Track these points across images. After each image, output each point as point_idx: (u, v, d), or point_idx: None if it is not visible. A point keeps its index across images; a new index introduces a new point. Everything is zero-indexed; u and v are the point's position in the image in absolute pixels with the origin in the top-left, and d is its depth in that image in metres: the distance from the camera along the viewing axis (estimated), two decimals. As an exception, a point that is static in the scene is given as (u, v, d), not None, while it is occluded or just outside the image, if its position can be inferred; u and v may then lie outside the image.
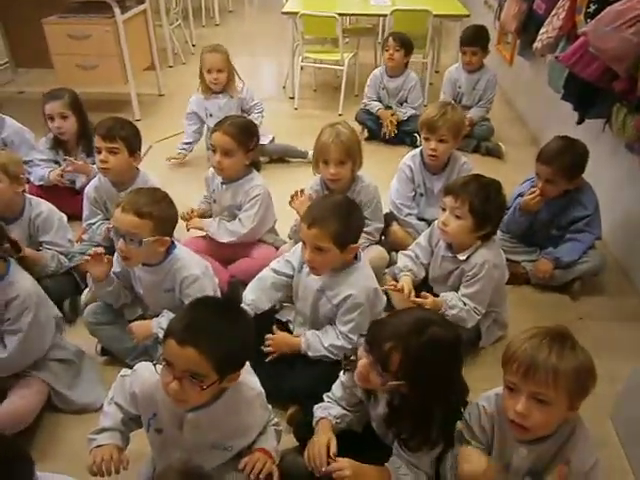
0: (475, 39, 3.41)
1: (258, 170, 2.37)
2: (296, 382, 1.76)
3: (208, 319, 1.24)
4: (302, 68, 4.25)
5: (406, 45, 3.52)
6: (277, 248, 2.39)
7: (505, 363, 1.24)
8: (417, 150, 2.54)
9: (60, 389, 1.82)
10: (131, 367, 1.93)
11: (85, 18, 3.69)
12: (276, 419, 1.52)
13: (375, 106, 3.69)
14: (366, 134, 3.78)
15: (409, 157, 2.53)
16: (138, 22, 4.01)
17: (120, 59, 3.78)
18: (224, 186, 2.32)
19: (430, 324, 1.29)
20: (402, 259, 2.12)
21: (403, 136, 3.62)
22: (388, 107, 3.72)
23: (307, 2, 4.34)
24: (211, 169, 2.39)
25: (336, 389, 1.58)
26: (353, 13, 4.18)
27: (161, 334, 1.81)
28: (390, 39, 3.50)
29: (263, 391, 1.43)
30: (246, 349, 1.30)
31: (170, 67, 5.06)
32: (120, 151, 2.24)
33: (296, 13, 3.91)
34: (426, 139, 2.39)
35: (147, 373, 1.36)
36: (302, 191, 2.31)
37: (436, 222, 2.05)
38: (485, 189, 1.87)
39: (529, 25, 3.31)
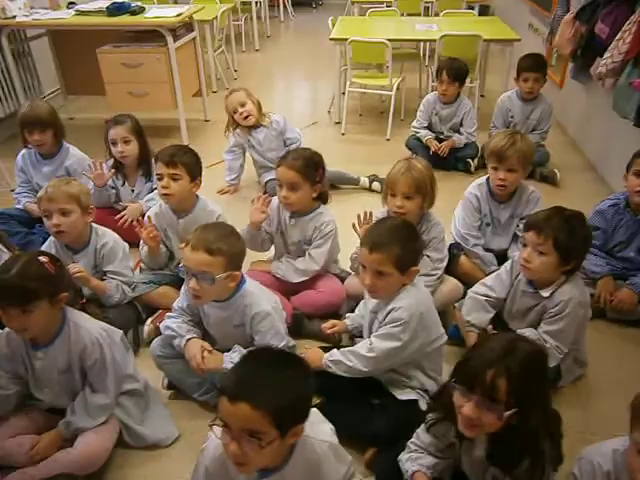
0: (538, 65, 3.33)
1: (325, 202, 2.32)
2: (375, 426, 1.68)
3: (260, 371, 1.16)
4: (348, 93, 4.24)
5: (460, 77, 3.47)
6: (342, 280, 2.34)
7: (634, 418, 1.15)
8: (483, 179, 2.47)
9: (132, 424, 1.78)
10: (198, 402, 1.96)
11: (138, 47, 3.76)
12: (359, 476, 1.43)
13: (424, 135, 3.63)
14: (414, 158, 3.73)
15: (475, 186, 2.46)
16: (188, 49, 4.06)
17: (171, 86, 3.83)
18: (292, 220, 2.28)
19: (516, 341, 1.27)
20: (471, 310, 2.01)
21: (456, 162, 3.55)
22: (439, 133, 3.66)
23: (353, 28, 4.35)
24: (274, 201, 2.35)
25: (423, 435, 1.50)
26: (403, 39, 4.16)
27: (232, 370, 1.78)
28: (444, 74, 3.43)
29: (336, 441, 1.35)
30: (305, 399, 1.20)
31: (214, 92, 5.11)
32: (182, 177, 2.23)
33: (345, 39, 3.91)
34: (494, 168, 2.31)
35: (217, 442, 1.27)
36: (370, 215, 2.24)
37: (515, 256, 1.98)
38: (569, 223, 1.78)
39: (587, 49, 3.24)
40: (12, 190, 3.33)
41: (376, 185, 3.37)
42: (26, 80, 4.22)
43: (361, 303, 2.00)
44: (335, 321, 1.98)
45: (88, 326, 1.70)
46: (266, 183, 3.32)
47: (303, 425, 1.20)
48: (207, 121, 4.54)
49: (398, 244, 1.64)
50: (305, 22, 8.62)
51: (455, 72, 3.43)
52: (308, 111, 4.90)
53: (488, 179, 2.43)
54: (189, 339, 1.82)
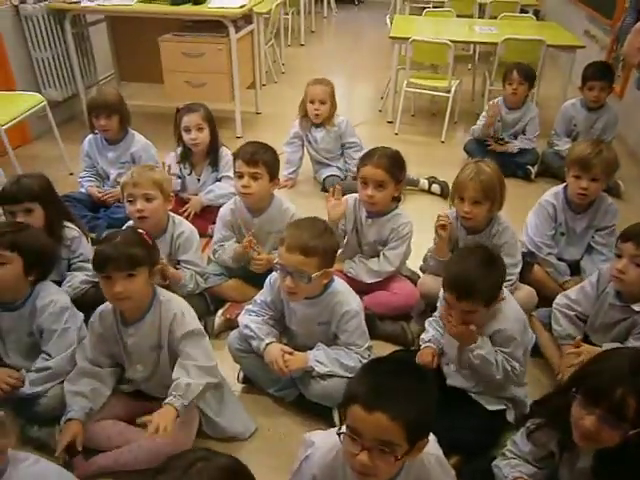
0: (605, 74, 3.27)
1: (399, 201, 2.29)
2: (463, 433, 1.65)
3: (394, 380, 1.13)
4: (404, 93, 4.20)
5: (530, 78, 3.42)
6: (413, 281, 2.31)
7: None
8: (560, 187, 2.42)
9: (211, 415, 1.77)
10: (273, 397, 1.95)
11: (200, 37, 3.75)
12: None
13: (476, 133, 3.59)
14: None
15: (551, 194, 2.41)
16: (246, 41, 4.05)
17: (229, 77, 3.82)
18: (369, 220, 2.26)
19: None
20: (564, 322, 1.99)
21: (516, 168, 3.50)
22: (500, 139, 3.60)
23: (412, 27, 4.30)
24: (350, 200, 2.32)
25: (522, 443, 1.48)
26: (466, 40, 4.11)
27: (317, 367, 1.78)
28: (515, 72, 3.38)
29: (441, 453, 1.32)
30: (433, 410, 1.16)
31: (264, 85, 5.10)
32: (262, 176, 2.21)
33: (406, 38, 3.86)
34: (576, 177, 2.27)
35: (326, 449, 1.27)
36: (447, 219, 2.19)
37: (603, 268, 1.94)
38: None
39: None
40: (71, 174, 3.36)
41: (435, 187, 3.34)
42: (84, 65, 4.25)
43: (435, 322, 1.96)
44: (428, 351, 1.86)
45: (176, 298, 1.76)
46: (324, 179, 3.31)
47: (428, 438, 1.18)
48: (259, 114, 4.53)
49: (488, 279, 1.61)
50: (348, 18, 8.58)
51: (525, 72, 3.39)
52: (355, 109, 4.86)
53: (565, 187, 2.38)
54: (268, 343, 1.81)
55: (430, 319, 1.97)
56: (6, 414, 1.33)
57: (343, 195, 2.30)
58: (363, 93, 5.44)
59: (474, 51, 4.94)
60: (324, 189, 3.34)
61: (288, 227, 1.77)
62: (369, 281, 2.25)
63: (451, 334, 1.70)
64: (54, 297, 1.82)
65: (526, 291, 2.20)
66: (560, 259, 2.40)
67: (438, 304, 1.96)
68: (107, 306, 1.73)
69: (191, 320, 1.73)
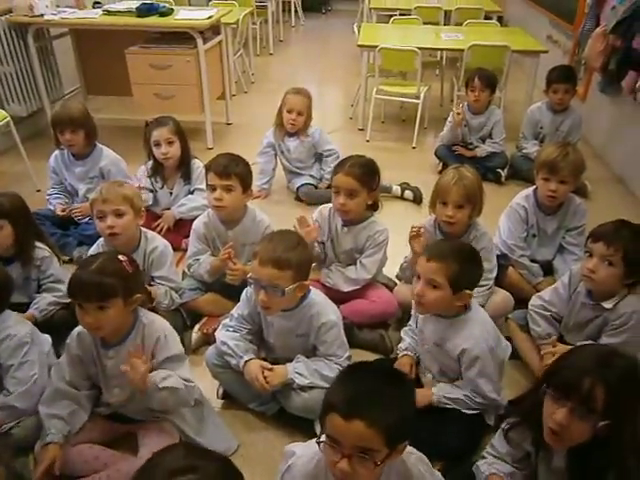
0: (568, 76, 3.35)
1: (376, 209, 2.30)
2: (443, 439, 1.66)
3: (371, 387, 1.13)
4: (374, 100, 4.23)
5: (492, 84, 3.47)
6: (390, 289, 2.32)
7: None
8: (530, 190, 2.46)
9: (191, 434, 1.74)
10: (254, 412, 1.93)
11: (167, 48, 3.72)
12: None
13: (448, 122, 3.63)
14: (440, 168, 3.73)
15: (522, 197, 2.45)
16: (214, 52, 4.03)
17: (198, 88, 3.79)
18: (345, 229, 2.26)
19: (612, 353, 1.27)
20: (542, 323, 2.02)
21: (486, 172, 3.55)
22: (468, 144, 3.66)
23: (379, 35, 4.34)
24: (324, 210, 2.33)
25: (499, 444, 1.50)
26: (432, 47, 4.16)
27: (297, 379, 1.76)
28: (476, 80, 3.43)
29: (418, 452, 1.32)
30: (412, 414, 1.18)
31: (233, 95, 5.07)
32: (235, 188, 2.19)
33: (374, 46, 3.90)
34: (545, 179, 2.31)
35: (306, 459, 1.27)
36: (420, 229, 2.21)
37: (574, 268, 1.97)
38: (638, 235, 1.78)
39: (623, 62, 3.26)
40: (38, 190, 3.28)
41: (408, 194, 3.37)
42: (48, 79, 4.16)
43: (411, 331, 1.98)
44: (406, 360, 1.90)
45: (159, 320, 1.72)
46: (298, 188, 3.31)
47: (407, 442, 1.18)
48: (229, 124, 4.51)
49: (458, 261, 1.65)
50: (315, 27, 8.62)
51: (487, 79, 3.44)
52: (326, 117, 4.86)
53: (535, 190, 2.43)
54: (247, 361, 1.79)
55: (405, 329, 1.99)
56: None
57: (315, 204, 2.31)
58: (334, 100, 5.46)
59: (441, 57, 5.01)
60: (298, 198, 3.34)
61: (261, 241, 1.75)
62: (347, 289, 2.25)
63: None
64: (11, 330, 1.75)
65: (502, 295, 2.22)
66: (533, 260, 2.44)
67: (412, 313, 1.98)
68: None
69: (174, 344, 1.69)
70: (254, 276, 1.69)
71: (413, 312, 1.98)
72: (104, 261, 1.58)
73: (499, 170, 3.57)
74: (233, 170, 2.18)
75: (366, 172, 2.17)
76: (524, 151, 3.57)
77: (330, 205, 2.31)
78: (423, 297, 1.68)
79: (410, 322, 2.01)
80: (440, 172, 3.68)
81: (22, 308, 2.07)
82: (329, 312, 1.79)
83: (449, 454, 1.67)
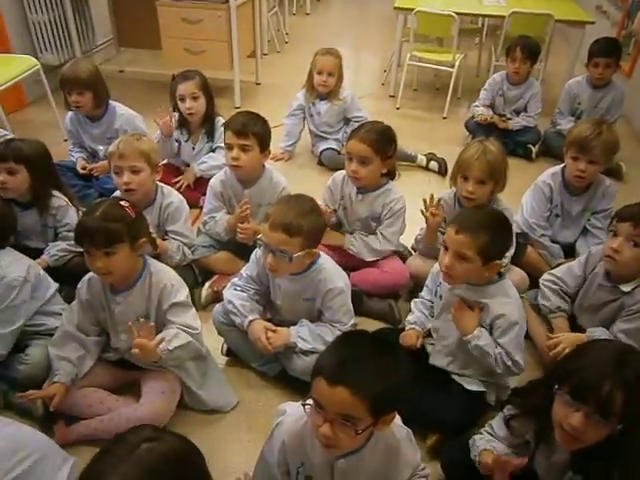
0: (611, 50, 3.17)
1: (393, 178, 2.25)
2: (442, 412, 1.65)
3: (360, 355, 1.12)
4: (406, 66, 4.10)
5: (534, 55, 3.32)
6: (404, 258, 2.29)
7: None
8: (558, 168, 2.37)
9: (193, 387, 1.78)
10: (256, 371, 1.95)
11: (199, 2, 3.66)
12: (426, 469, 1.39)
13: (480, 112, 3.50)
14: (469, 140, 3.61)
15: (548, 175, 2.36)
16: (247, 9, 3.95)
17: (228, 45, 3.74)
18: (360, 196, 2.22)
19: (628, 352, 1.21)
20: (552, 296, 1.98)
21: (515, 147, 3.43)
22: (501, 115, 3.53)
23: (417, -2, 4.17)
24: (338, 176, 2.29)
25: (498, 427, 1.47)
26: (470, 13, 3.98)
27: (299, 343, 1.77)
28: (518, 50, 3.28)
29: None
30: (401, 386, 1.15)
31: (265, 55, 5.00)
32: (252, 148, 2.17)
33: (411, 9, 3.76)
34: (574, 158, 2.22)
35: (295, 417, 1.28)
36: (438, 200, 2.15)
37: (593, 249, 1.91)
38: None
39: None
40: (65, 140, 3.32)
41: (433, 164, 3.29)
42: (81, 29, 4.17)
43: (422, 304, 1.93)
44: (413, 333, 1.84)
45: (167, 270, 1.75)
46: (321, 153, 3.27)
47: (395, 414, 1.18)
48: (258, 84, 4.45)
49: (488, 232, 1.58)
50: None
51: (530, 50, 3.28)
52: (358, 82, 4.76)
53: (564, 168, 2.33)
54: (251, 320, 1.81)
55: (417, 300, 1.95)
56: None
57: (336, 169, 2.27)
58: (367, 65, 5.32)
59: (482, 25, 4.81)
60: (320, 162, 3.30)
61: (275, 203, 1.74)
62: (369, 259, 2.22)
63: (454, 316, 1.68)
64: (3, 271, 1.76)
65: (518, 274, 2.16)
66: (554, 241, 2.37)
67: (427, 283, 1.94)
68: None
69: (180, 291, 1.72)
70: (264, 239, 1.69)
71: (429, 282, 1.93)
72: (107, 207, 1.61)
73: (530, 146, 3.44)
74: (251, 129, 2.16)
75: (381, 139, 2.12)
76: (558, 127, 3.42)
77: (343, 172, 2.28)
78: (452, 269, 1.63)
79: (423, 294, 1.96)
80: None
81: (38, 254, 2.12)
82: (337, 279, 1.78)
83: (446, 428, 1.66)
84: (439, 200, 2.14)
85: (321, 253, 1.81)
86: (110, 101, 2.82)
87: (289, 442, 1.29)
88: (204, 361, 1.86)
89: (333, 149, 3.23)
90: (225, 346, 2.00)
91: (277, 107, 3.55)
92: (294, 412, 1.30)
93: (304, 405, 1.14)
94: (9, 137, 2.55)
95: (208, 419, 1.82)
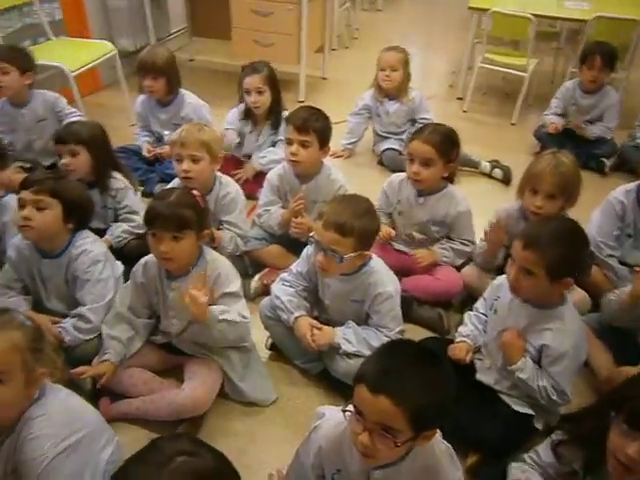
0: None
1: (452, 182, 2.18)
2: (486, 431, 1.59)
3: (406, 366, 1.08)
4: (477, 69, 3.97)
5: (612, 63, 3.13)
6: (457, 269, 2.22)
7: None
8: (633, 185, 2.21)
9: (234, 378, 1.79)
10: (299, 368, 1.94)
11: (271, -5, 3.67)
12: None
13: (550, 120, 3.34)
14: (538, 149, 3.47)
15: (622, 191, 2.21)
16: (319, 3, 3.94)
17: (297, 39, 3.75)
18: (420, 199, 2.16)
19: None
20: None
21: (587, 159, 3.25)
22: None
23: (495, -2, 4.03)
24: (396, 178, 2.25)
25: (544, 453, 1.40)
26: (549, 15, 3.79)
27: (344, 345, 1.75)
28: (598, 58, 3.09)
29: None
30: (446, 403, 1.11)
31: (333, 50, 4.98)
32: (311, 144, 2.16)
33: (486, 10, 3.63)
34: (654, 175, 2.07)
35: (334, 422, 1.26)
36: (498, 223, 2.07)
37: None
38: None
39: None
40: (132, 125, 3.42)
41: (497, 172, 3.17)
42: (157, 17, 4.28)
43: (476, 317, 1.85)
44: (463, 346, 1.77)
45: (222, 259, 1.77)
46: (382, 152, 3.21)
47: (436, 430, 1.13)
48: (324, 79, 4.44)
49: (559, 247, 1.49)
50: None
51: (610, 57, 3.10)
52: (424, 82, 4.65)
53: (639, 185, 2.18)
54: (297, 317, 1.80)
55: (470, 313, 1.88)
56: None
57: (396, 170, 2.22)
58: (436, 65, 5.19)
59: (561, 28, 4.58)
60: (381, 162, 3.25)
61: (330, 202, 1.71)
62: (459, 263, 2.20)
63: (503, 343, 1.63)
64: (88, 247, 1.84)
65: (579, 294, 2.04)
66: (622, 263, 2.22)
67: (484, 296, 1.87)
68: (152, 257, 1.75)
69: (233, 281, 1.74)
70: (316, 237, 1.67)
71: (486, 294, 1.85)
72: (181, 194, 1.66)
73: (603, 159, 3.25)
74: (312, 125, 2.14)
75: (445, 141, 2.06)
76: (638, 141, 3.22)
77: (402, 175, 2.23)
78: (517, 283, 1.57)
79: (477, 306, 1.88)
80: (537, 155, 3.43)
81: (100, 234, 2.18)
82: (387, 283, 1.74)
83: (488, 448, 1.60)
84: (498, 222, 2.05)
85: (373, 255, 1.77)
86: (180, 89, 2.89)
87: (326, 447, 1.27)
88: (247, 353, 1.87)
89: (395, 149, 3.17)
90: (269, 340, 2.00)
91: (341, 103, 3.52)
92: (333, 416, 1.28)
93: (344, 411, 1.12)
94: (75, 119, 2.66)
95: (246, 411, 1.83)
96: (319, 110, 2.22)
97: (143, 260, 1.79)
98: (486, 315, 1.82)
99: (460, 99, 4.13)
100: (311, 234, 1.72)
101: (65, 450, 1.19)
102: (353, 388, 1.75)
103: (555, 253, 1.48)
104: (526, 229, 1.62)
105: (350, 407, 1.11)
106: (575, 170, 1.99)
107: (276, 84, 2.74)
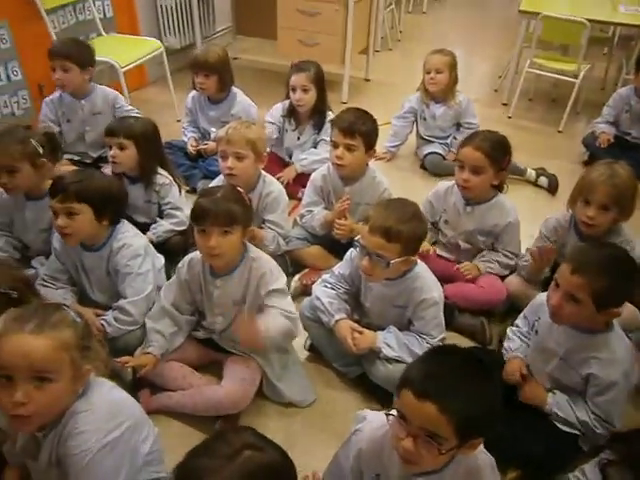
0: None
1: (501, 191, 2.13)
2: (529, 447, 1.54)
3: (453, 372, 1.07)
4: (525, 73, 3.88)
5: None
6: (501, 278, 2.17)
7: None
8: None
9: (272, 379, 1.79)
10: (336, 371, 1.93)
11: (318, -5, 3.67)
12: None
13: (600, 128, 3.23)
14: (586, 158, 3.37)
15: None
16: (364, 4, 3.92)
17: (342, 39, 3.73)
18: (468, 208, 2.12)
19: None
20: None
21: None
22: (625, 134, 3.24)
23: (544, 1, 3.93)
24: (442, 187, 2.22)
25: (591, 473, 1.38)
26: (604, 20, 3.68)
27: (384, 350, 1.73)
28: None
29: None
30: (494, 412, 1.08)
31: (377, 51, 4.94)
32: (357, 148, 2.14)
33: (537, 14, 3.54)
34: None
35: (375, 426, 1.24)
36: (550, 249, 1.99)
37: None
38: None
39: None
40: (178, 120, 3.47)
41: (543, 180, 3.09)
42: (203, 15, 4.33)
43: (520, 333, 1.80)
44: (517, 364, 1.70)
45: (266, 256, 1.78)
46: (425, 156, 3.17)
47: (482, 439, 1.11)
48: (367, 80, 4.41)
49: (608, 277, 1.43)
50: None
51: None
52: (468, 86, 4.54)
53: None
54: (338, 320, 1.78)
55: (514, 329, 1.82)
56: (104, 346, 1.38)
57: (439, 175, 2.19)
58: (481, 70, 5.11)
59: (613, 33, 4.44)
60: (423, 166, 3.21)
61: (376, 206, 1.69)
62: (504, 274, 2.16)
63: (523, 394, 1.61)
64: (128, 240, 1.86)
65: (628, 310, 1.96)
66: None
67: (525, 314, 1.81)
68: (197, 254, 1.77)
69: (279, 280, 1.74)
70: (362, 241, 1.65)
71: (527, 313, 1.80)
72: (227, 190, 1.67)
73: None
74: (358, 129, 2.12)
75: (497, 149, 2.02)
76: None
77: (448, 183, 2.19)
78: (560, 310, 1.50)
79: (519, 323, 1.83)
80: (585, 163, 3.34)
81: (144, 228, 2.21)
82: (432, 289, 1.72)
83: (530, 465, 1.55)
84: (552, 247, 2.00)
85: (418, 261, 1.74)
86: (233, 87, 2.92)
87: (367, 451, 1.25)
88: (287, 353, 1.87)
89: (438, 153, 3.13)
90: (308, 341, 1.99)
91: (385, 105, 3.49)
92: (374, 420, 1.27)
93: (387, 415, 1.11)
94: (132, 114, 2.71)
95: (284, 412, 1.83)
96: (366, 113, 2.20)
97: (188, 257, 1.80)
98: (529, 333, 1.77)
99: (505, 104, 4.04)
100: (356, 238, 1.70)
101: (108, 444, 1.21)
102: (394, 393, 1.74)
103: (604, 280, 1.42)
104: (575, 253, 1.55)
105: (393, 411, 1.10)
106: (631, 182, 1.92)
107: (322, 84, 2.74)
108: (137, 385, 1.78)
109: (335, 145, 2.15)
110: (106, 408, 1.26)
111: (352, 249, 1.84)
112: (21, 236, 2.21)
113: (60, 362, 1.15)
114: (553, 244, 2.01)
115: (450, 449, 1.04)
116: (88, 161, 2.93)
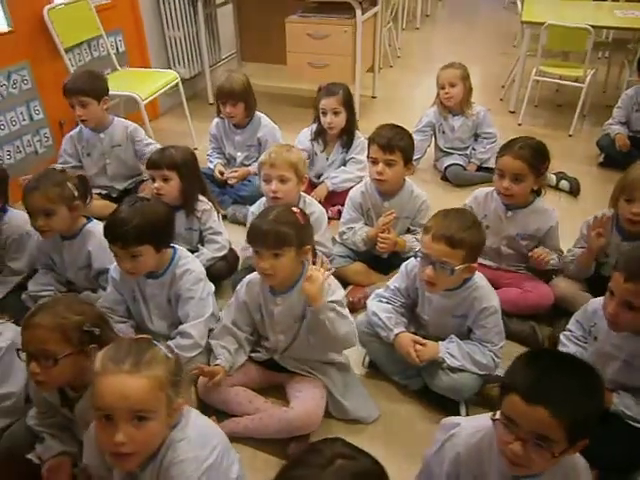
0: None
1: (539, 195, 2.18)
2: (602, 447, 1.54)
3: (561, 377, 1.08)
4: (532, 81, 3.97)
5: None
6: (546, 281, 2.20)
7: None
8: None
9: (337, 396, 1.80)
10: (397, 385, 1.94)
11: (326, 18, 3.75)
12: None
13: (614, 130, 3.31)
14: (601, 159, 3.44)
15: None
16: (370, 24, 4.01)
17: (352, 59, 3.81)
18: (509, 213, 2.16)
19: None
20: None
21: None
22: (638, 132, 3.31)
23: (546, 10, 4.04)
24: (481, 193, 2.26)
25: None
26: (607, 26, 3.79)
27: (448, 360, 1.75)
28: None
29: None
30: (599, 412, 1.11)
31: (380, 69, 5.03)
32: (397, 162, 2.19)
33: (541, 23, 3.64)
34: None
35: (472, 430, 1.26)
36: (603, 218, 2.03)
37: None
38: None
39: None
40: (195, 149, 3.50)
41: (564, 184, 3.14)
42: (210, 44, 4.41)
43: (575, 338, 1.80)
44: None
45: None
46: (446, 168, 3.22)
47: (587, 440, 1.12)
48: (374, 97, 4.49)
49: None
50: (462, 2, 8.24)
51: None
52: (474, 97, 4.66)
53: None
54: (398, 334, 1.80)
55: (567, 334, 1.82)
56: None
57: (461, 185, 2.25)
58: (481, 81, 5.19)
59: (607, 37, 4.57)
60: (444, 178, 3.26)
61: (435, 216, 1.73)
62: None
63: None
64: (190, 266, 1.89)
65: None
66: None
67: (577, 319, 1.83)
68: (255, 275, 1.79)
69: (337, 292, 1.75)
70: (424, 250, 1.68)
71: (580, 319, 1.80)
72: (280, 212, 1.69)
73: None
74: (397, 144, 2.17)
75: (536, 155, 2.06)
76: None
77: (486, 190, 2.23)
78: (617, 318, 1.52)
79: (571, 328, 1.82)
80: (601, 164, 3.41)
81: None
82: (492, 297, 1.75)
83: (605, 465, 1.55)
84: (603, 217, 2.02)
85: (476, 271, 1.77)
86: (256, 111, 2.96)
87: (465, 455, 1.26)
88: (347, 371, 1.88)
89: (459, 165, 3.18)
90: (367, 358, 2.00)
91: (393, 120, 3.41)
92: (470, 425, 1.29)
93: (494, 420, 1.12)
94: (158, 146, 2.74)
95: (350, 429, 1.83)
96: (402, 128, 2.25)
97: (246, 279, 1.83)
98: (585, 337, 1.77)
99: (513, 112, 4.13)
100: (417, 249, 1.73)
101: (206, 471, 1.22)
102: (459, 401, 1.75)
103: None
104: (628, 260, 1.55)
105: (498, 415, 1.11)
106: None
107: (352, 105, 2.80)
108: (203, 413, 1.78)
109: (375, 161, 2.19)
110: (199, 436, 1.27)
111: (406, 262, 1.87)
112: (63, 274, 2.22)
113: (157, 401, 1.16)
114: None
115: (562, 452, 1.06)
116: (114, 195, 2.95)
